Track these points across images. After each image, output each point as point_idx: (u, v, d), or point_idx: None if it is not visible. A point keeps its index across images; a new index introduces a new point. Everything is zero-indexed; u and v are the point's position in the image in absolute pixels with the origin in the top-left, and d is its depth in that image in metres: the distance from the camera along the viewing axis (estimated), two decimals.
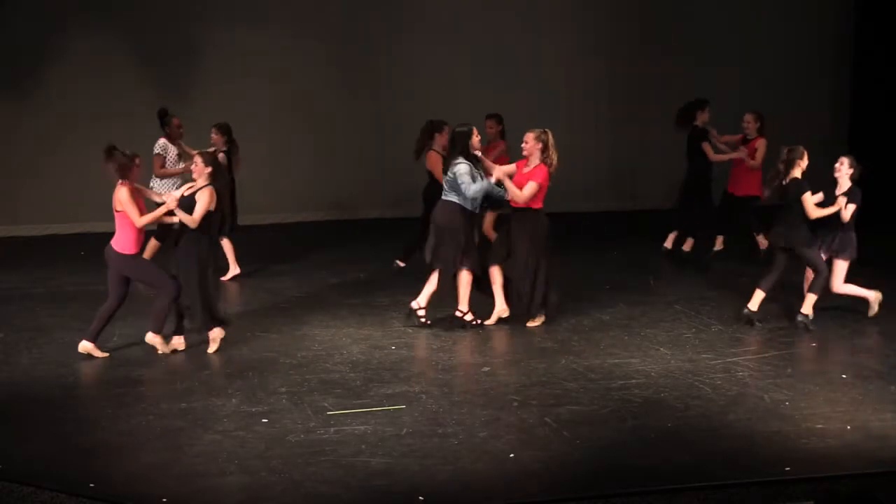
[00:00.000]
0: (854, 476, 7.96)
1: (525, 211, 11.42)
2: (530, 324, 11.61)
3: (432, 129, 13.30)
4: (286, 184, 17.49)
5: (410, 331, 11.50)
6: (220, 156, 13.03)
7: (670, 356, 10.65)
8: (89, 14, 16.73)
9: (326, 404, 9.32)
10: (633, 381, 9.93)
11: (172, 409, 9.24)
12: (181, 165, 13.49)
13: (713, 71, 18.19)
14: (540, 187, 11.30)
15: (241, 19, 17.20)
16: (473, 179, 11.18)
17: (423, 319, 11.59)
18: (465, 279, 11.47)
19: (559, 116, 16.24)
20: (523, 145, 11.43)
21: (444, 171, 11.47)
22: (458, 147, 11.33)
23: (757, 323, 11.58)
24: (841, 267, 11.64)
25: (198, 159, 10.70)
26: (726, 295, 12.87)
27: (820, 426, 8.83)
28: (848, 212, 11.44)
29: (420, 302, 11.60)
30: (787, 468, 8.06)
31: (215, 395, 9.59)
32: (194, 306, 10.59)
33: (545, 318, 11.68)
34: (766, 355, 10.67)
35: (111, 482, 7.85)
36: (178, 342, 10.79)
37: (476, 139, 11.38)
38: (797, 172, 11.45)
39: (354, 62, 17.76)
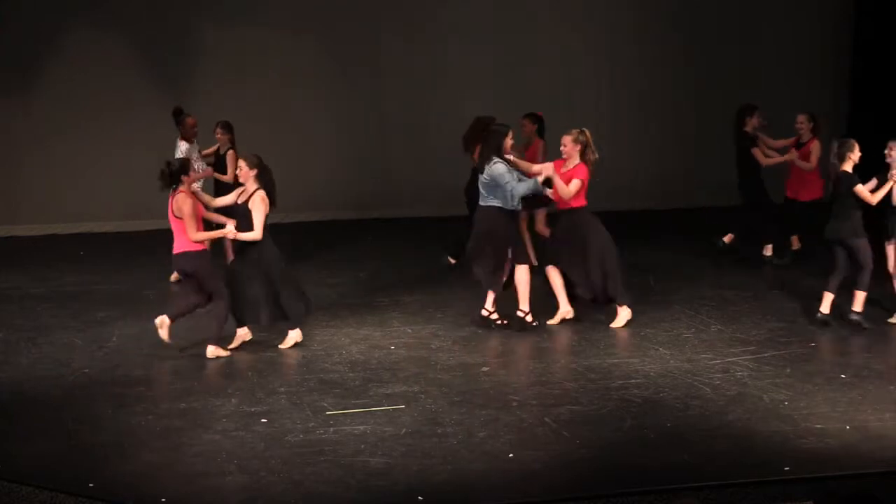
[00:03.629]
0: (853, 476, 7.97)
1: (571, 211, 11.39)
2: (615, 324, 11.56)
3: (483, 124, 13.14)
4: (286, 184, 17.37)
5: (410, 330, 11.51)
6: (230, 153, 13.12)
7: (669, 356, 10.65)
8: (89, 13, 16.71)
9: (325, 404, 9.33)
10: (633, 380, 9.93)
11: (172, 409, 9.24)
12: (202, 165, 13.43)
13: (714, 64, 18.23)
14: (582, 184, 11.28)
15: (243, 17, 17.18)
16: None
17: (498, 322, 11.52)
18: (522, 277, 11.41)
19: (561, 116, 16.14)
20: (562, 148, 11.36)
21: (480, 171, 11.41)
22: (492, 147, 11.24)
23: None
24: None
25: (242, 164, 10.78)
26: (726, 295, 12.85)
27: (819, 426, 8.83)
28: None
29: (488, 308, 11.55)
30: (787, 468, 8.07)
31: (214, 395, 9.60)
32: (290, 301, 10.79)
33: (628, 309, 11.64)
34: (765, 355, 10.67)
35: (111, 482, 7.86)
36: (244, 333, 10.92)
37: (509, 142, 11.34)
38: (848, 166, 11.36)
39: (362, 61, 17.73)
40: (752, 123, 14.25)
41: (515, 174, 11.19)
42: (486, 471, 8.05)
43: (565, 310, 11.70)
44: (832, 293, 11.54)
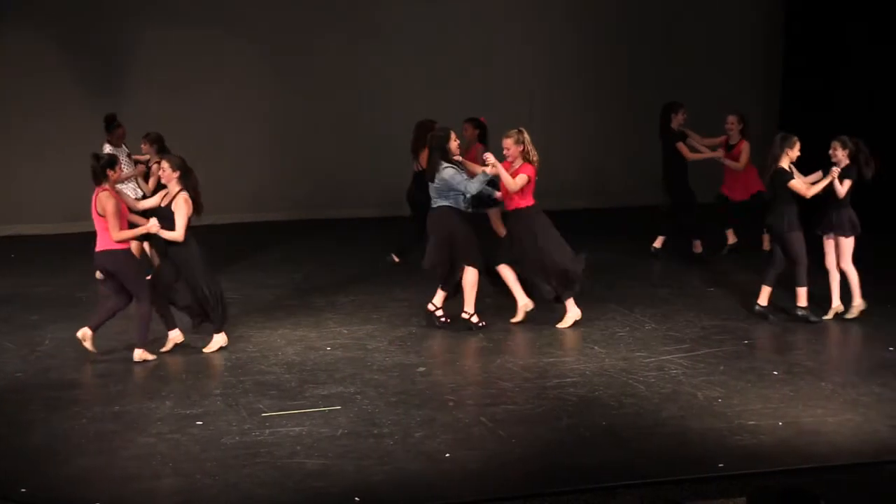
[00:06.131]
0: (786, 471, 8.05)
1: (519, 211, 11.35)
2: (561, 325, 11.58)
3: (426, 128, 13.15)
4: (222, 185, 17.34)
5: (346, 331, 11.49)
6: (154, 167, 12.89)
7: (605, 355, 10.71)
8: (21, 13, 16.51)
9: (261, 406, 9.29)
10: (568, 379, 9.98)
11: (106, 413, 9.17)
12: (130, 168, 13.32)
13: (649, 64, 18.35)
14: (529, 180, 11.24)
15: (180, 19, 17.04)
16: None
17: (442, 319, 11.54)
18: (470, 279, 11.40)
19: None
20: (505, 151, 11.31)
21: (430, 180, 11.38)
22: (437, 151, 11.23)
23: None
24: (845, 244, 11.59)
25: (165, 164, 10.65)
26: (660, 293, 12.95)
27: (752, 423, 8.92)
28: (844, 187, 11.47)
29: (435, 303, 11.58)
30: (721, 464, 8.14)
31: (149, 397, 9.53)
32: (214, 303, 10.68)
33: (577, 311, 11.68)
34: (699, 353, 10.76)
35: (43, 486, 7.78)
36: (175, 336, 10.78)
37: (454, 143, 11.33)
38: (784, 162, 11.46)
39: (308, 62, 17.64)
40: (677, 120, 14.38)
41: (464, 174, 11.23)
42: (423, 471, 8.05)
43: (524, 303, 11.67)
44: (769, 286, 11.65)
